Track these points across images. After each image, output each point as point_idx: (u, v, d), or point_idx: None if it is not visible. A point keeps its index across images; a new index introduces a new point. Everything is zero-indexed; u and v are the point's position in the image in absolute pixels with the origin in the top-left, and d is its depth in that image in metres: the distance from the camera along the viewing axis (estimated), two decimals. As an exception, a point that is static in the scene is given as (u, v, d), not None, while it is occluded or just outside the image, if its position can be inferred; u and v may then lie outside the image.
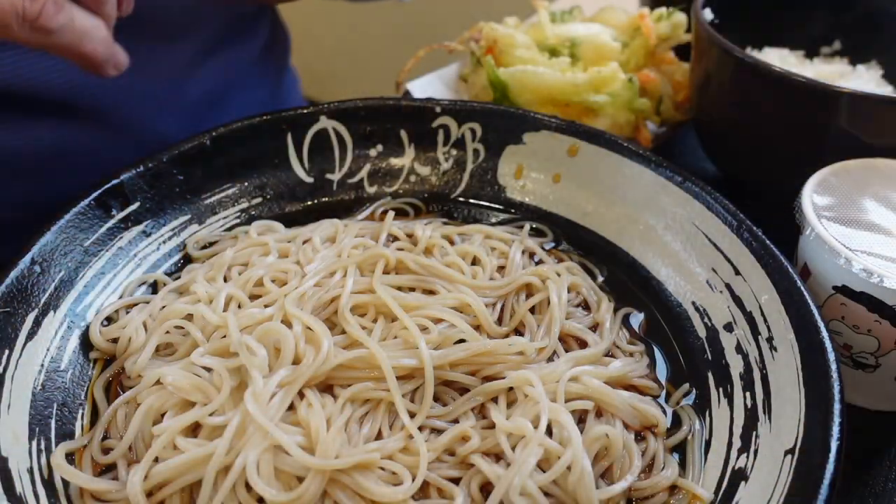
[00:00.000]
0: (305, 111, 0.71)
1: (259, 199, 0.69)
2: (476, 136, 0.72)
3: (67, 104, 0.71)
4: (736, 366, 0.55)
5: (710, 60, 0.75)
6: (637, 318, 0.62)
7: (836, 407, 0.46)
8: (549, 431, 0.48)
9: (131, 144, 0.75)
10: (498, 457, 0.49)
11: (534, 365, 0.54)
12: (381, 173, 0.73)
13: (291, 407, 0.49)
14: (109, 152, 0.74)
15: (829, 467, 0.43)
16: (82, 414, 0.52)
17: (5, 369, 0.49)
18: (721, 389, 0.55)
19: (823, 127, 0.66)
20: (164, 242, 0.64)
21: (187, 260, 0.64)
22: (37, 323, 0.53)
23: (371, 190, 0.72)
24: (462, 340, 0.54)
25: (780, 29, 0.88)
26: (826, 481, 0.42)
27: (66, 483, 0.47)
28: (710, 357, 0.57)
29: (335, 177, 0.72)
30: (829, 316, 0.57)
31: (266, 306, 0.55)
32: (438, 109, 0.72)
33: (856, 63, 0.86)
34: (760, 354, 0.53)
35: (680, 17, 0.84)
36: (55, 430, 0.50)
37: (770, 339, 0.53)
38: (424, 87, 0.87)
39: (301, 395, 0.49)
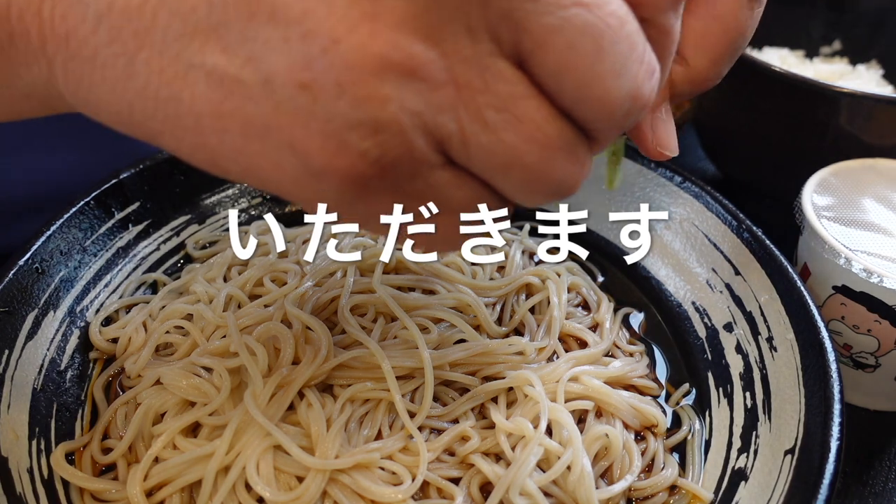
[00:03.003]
0: (305, 111, 0.70)
1: (259, 199, 0.69)
2: (476, 136, 0.72)
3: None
4: (736, 366, 0.55)
5: (710, 60, 0.75)
6: (637, 318, 0.62)
7: (836, 407, 0.45)
8: (549, 431, 0.48)
9: (107, 156, 0.71)
10: (498, 457, 0.49)
11: (534, 365, 0.53)
12: (381, 173, 0.72)
13: (291, 407, 0.49)
14: (86, 165, 0.68)
15: (829, 467, 0.43)
16: (82, 414, 0.52)
17: (5, 369, 0.49)
18: (721, 389, 0.55)
19: (823, 127, 0.66)
20: (164, 242, 0.64)
21: (187, 260, 0.64)
22: (37, 323, 0.53)
23: (371, 190, 0.72)
24: (462, 340, 0.54)
25: (780, 29, 0.88)
26: (826, 481, 0.42)
27: (66, 483, 0.47)
28: (709, 357, 0.57)
29: (335, 177, 0.72)
30: (829, 316, 0.57)
31: (266, 306, 0.55)
32: (438, 109, 0.72)
33: (856, 63, 0.86)
34: (760, 354, 0.53)
35: (680, 17, 0.84)
36: (55, 430, 0.50)
37: (770, 339, 0.53)
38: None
39: (301, 395, 0.49)
